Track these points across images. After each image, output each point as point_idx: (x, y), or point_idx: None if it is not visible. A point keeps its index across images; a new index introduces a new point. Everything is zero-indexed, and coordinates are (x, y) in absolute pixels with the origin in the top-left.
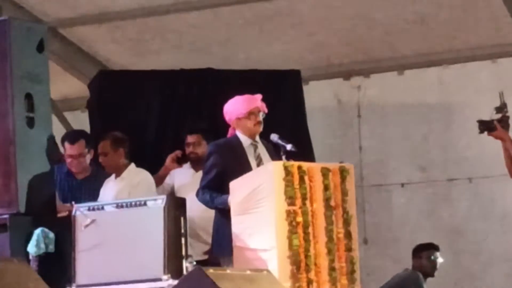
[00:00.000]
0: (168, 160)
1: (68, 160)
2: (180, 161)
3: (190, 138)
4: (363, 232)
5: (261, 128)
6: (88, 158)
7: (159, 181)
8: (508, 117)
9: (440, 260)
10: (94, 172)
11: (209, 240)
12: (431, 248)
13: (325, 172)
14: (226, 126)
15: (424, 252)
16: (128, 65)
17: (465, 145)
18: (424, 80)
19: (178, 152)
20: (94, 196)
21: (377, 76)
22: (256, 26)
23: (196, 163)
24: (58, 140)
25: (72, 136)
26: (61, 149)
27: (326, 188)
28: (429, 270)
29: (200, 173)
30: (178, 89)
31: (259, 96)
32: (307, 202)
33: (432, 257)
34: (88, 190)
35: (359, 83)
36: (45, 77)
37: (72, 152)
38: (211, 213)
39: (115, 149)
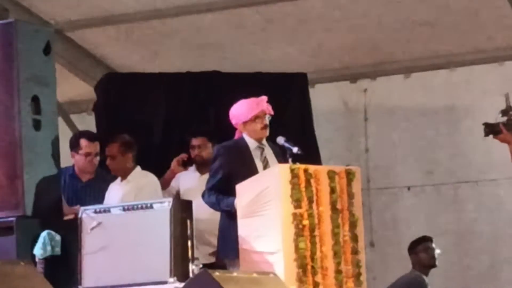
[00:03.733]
0: (174, 163)
1: (87, 158)
2: (186, 164)
3: (195, 141)
4: (369, 235)
5: (267, 132)
6: (97, 162)
7: (165, 185)
8: None
9: (437, 250)
10: (98, 174)
11: (216, 242)
12: (424, 240)
13: (331, 175)
14: (232, 128)
15: (418, 246)
16: (135, 67)
17: (472, 148)
18: (431, 83)
19: (183, 156)
20: (98, 198)
21: (384, 79)
22: (263, 29)
23: (202, 166)
24: (63, 142)
25: (91, 134)
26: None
27: (332, 191)
28: (429, 262)
29: (205, 176)
30: (184, 91)
31: (264, 98)
32: (314, 205)
33: (428, 249)
34: (92, 192)
35: (365, 86)
36: (51, 79)
37: (92, 150)
38: (218, 215)
39: (124, 153)
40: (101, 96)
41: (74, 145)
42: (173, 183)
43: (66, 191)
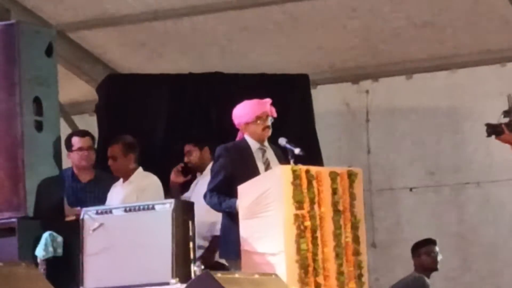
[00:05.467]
0: (172, 174)
1: (80, 153)
2: (185, 173)
3: (185, 148)
4: (371, 236)
5: (269, 133)
6: (93, 158)
7: (174, 195)
8: None
9: (439, 255)
10: (97, 175)
11: (202, 244)
12: (428, 243)
13: (333, 176)
14: (234, 130)
15: (422, 248)
16: (137, 68)
17: (474, 149)
18: (432, 84)
19: (179, 165)
20: (98, 199)
21: (386, 80)
22: (265, 30)
23: (195, 171)
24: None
25: (81, 131)
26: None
27: (334, 192)
28: (431, 265)
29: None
30: (186, 93)
31: (268, 101)
32: (315, 206)
33: (431, 252)
34: (92, 193)
35: (367, 87)
36: (53, 80)
37: (83, 144)
38: (207, 218)
39: (125, 154)
40: (102, 97)
41: (68, 145)
42: (189, 194)
43: (66, 192)
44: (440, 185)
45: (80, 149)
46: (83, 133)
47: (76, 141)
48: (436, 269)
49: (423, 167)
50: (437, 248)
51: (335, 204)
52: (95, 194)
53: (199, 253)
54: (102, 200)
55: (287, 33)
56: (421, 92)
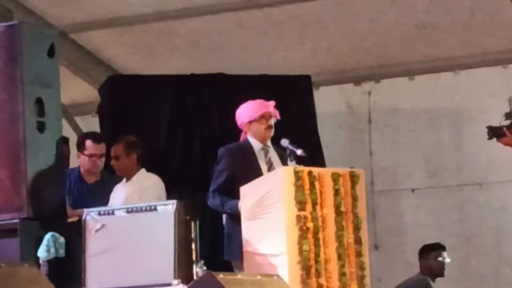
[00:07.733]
0: None
1: (92, 159)
2: None
3: None
4: (373, 238)
5: (272, 133)
6: (103, 164)
7: None
8: None
9: (447, 260)
10: (104, 177)
11: None
12: (438, 248)
13: (335, 177)
14: (236, 131)
15: (431, 252)
16: (139, 70)
17: (476, 150)
18: (435, 86)
19: None
20: (104, 201)
21: (388, 81)
22: (267, 32)
23: None
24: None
25: (97, 135)
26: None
27: (336, 193)
28: (437, 270)
29: None
30: (188, 94)
31: (272, 103)
32: (318, 208)
33: (440, 258)
34: (98, 195)
35: (369, 88)
36: (55, 81)
37: (97, 151)
38: None
39: (128, 154)
40: (105, 98)
41: (80, 146)
42: None
43: (72, 193)
44: (442, 186)
45: (93, 155)
46: (99, 139)
47: (90, 146)
48: (442, 275)
49: (425, 168)
50: (445, 254)
51: (337, 206)
52: (101, 195)
53: None
54: (107, 201)
55: (289, 34)
56: (423, 93)
